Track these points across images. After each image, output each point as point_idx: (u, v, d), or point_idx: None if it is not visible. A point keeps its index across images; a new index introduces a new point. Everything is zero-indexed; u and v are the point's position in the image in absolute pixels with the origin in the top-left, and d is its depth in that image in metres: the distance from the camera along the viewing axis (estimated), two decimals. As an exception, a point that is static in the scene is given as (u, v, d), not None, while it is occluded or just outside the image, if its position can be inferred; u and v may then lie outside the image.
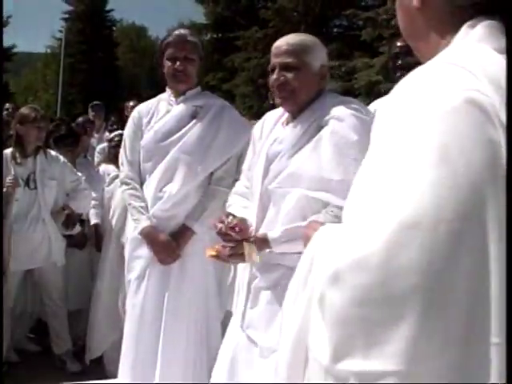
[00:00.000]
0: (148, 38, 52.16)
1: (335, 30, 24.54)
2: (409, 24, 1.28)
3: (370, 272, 1.01)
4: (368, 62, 16.26)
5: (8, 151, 4.60)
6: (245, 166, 2.89)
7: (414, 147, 1.03)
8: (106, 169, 5.35)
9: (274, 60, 2.59)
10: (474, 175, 0.99)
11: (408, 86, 1.13)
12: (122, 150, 3.64)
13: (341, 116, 2.45)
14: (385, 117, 1.13)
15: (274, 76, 2.57)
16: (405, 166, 1.03)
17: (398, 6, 1.29)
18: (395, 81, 3.63)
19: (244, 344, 2.60)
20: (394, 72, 4.08)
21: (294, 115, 2.60)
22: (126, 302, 4.56)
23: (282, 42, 2.60)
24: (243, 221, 2.54)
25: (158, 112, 3.52)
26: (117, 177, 5.10)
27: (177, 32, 3.49)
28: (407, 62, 3.94)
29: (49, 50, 45.17)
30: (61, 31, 38.72)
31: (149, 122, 3.51)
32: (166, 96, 3.58)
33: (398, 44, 4.02)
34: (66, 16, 38.43)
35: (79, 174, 4.93)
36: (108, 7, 39.40)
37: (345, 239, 1.09)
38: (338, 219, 2.28)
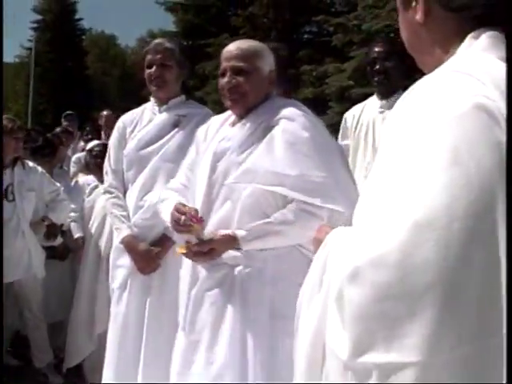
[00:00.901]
0: (118, 47, 51.98)
1: (305, 36, 24.61)
2: (413, 38, 1.33)
3: (388, 269, 1.07)
4: (339, 66, 16.33)
5: (-17, 163, 4.55)
6: (184, 165, 2.93)
7: (427, 151, 1.09)
8: (86, 179, 5.32)
9: (225, 64, 2.67)
10: (485, 176, 1.04)
11: (417, 93, 1.18)
12: (106, 160, 3.65)
13: (291, 116, 2.58)
14: (395, 123, 1.20)
15: (226, 79, 2.65)
16: (418, 169, 1.09)
17: (401, 20, 1.34)
18: (373, 85, 3.69)
19: (188, 348, 2.62)
20: (371, 76, 4.15)
21: (242, 117, 2.70)
22: (101, 311, 4.60)
23: (234, 47, 2.68)
24: (197, 211, 2.55)
25: (142, 121, 3.52)
26: (96, 187, 5.10)
27: (156, 40, 3.53)
28: (385, 66, 4.03)
29: (17, 60, 44.83)
30: (30, 40, 38.51)
31: (132, 131, 3.51)
32: (150, 105, 3.58)
33: (376, 49, 4.09)
34: (35, 25, 38.14)
35: (58, 184, 4.88)
36: (77, 16, 39.20)
37: (361, 240, 1.15)
38: (306, 213, 2.46)
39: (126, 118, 3.62)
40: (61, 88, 34.42)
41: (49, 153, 5.23)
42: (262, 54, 2.69)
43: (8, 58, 44.34)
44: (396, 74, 4.07)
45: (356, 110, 4.35)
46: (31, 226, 4.61)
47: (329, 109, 16.13)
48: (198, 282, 2.61)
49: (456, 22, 1.24)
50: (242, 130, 2.64)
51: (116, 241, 3.50)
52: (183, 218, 2.49)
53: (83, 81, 37.17)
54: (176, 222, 2.53)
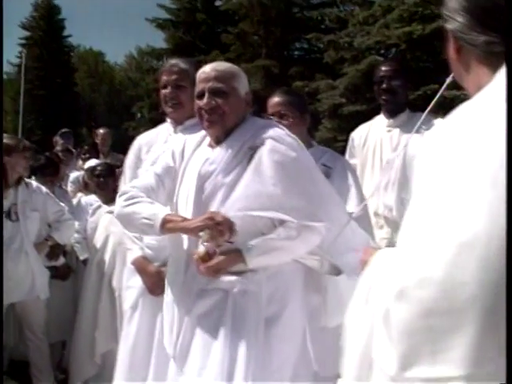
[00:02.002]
0: (106, 64, 51.99)
1: (296, 52, 24.81)
2: (454, 69, 1.50)
3: (433, 287, 1.14)
4: (331, 83, 16.42)
5: (-14, 183, 4.50)
6: (152, 169, 2.84)
7: (467, 176, 1.17)
8: (88, 199, 5.29)
9: (203, 85, 2.67)
10: None
11: (454, 121, 1.28)
12: (121, 181, 3.63)
13: (277, 136, 2.61)
14: (435, 147, 1.28)
15: (205, 100, 2.65)
16: (459, 192, 1.17)
17: (448, 54, 1.50)
18: (380, 103, 3.68)
19: (174, 373, 2.63)
20: (379, 95, 4.18)
21: (219, 138, 2.70)
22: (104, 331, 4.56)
23: (210, 68, 2.70)
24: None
25: (158, 142, 3.49)
26: (99, 207, 5.06)
27: (171, 61, 3.49)
28: (392, 85, 4.06)
29: (5, 76, 44.72)
30: (18, 57, 38.43)
31: (147, 152, 3.47)
32: (166, 126, 3.55)
33: (383, 68, 4.13)
34: (23, 42, 38.11)
35: (62, 204, 4.84)
36: (65, 33, 39.22)
37: (407, 260, 1.22)
38: (306, 228, 2.53)
39: (141, 139, 3.60)
40: (49, 105, 34.40)
41: (51, 172, 5.19)
42: (238, 75, 2.73)
43: (-5, 74, 44.19)
44: (402, 93, 4.13)
45: (363, 129, 4.36)
46: (35, 246, 4.56)
47: (320, 125, 16.20)
48: (192, 308, 2.59)
49: (486, 55, 1.36)
50: (225, 151, 2.65)
51: (128, 262, 3.46)
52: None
53: (72, 97, 37.15)
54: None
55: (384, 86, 4.08)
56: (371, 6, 18.22)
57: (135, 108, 30.48)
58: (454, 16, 1.40)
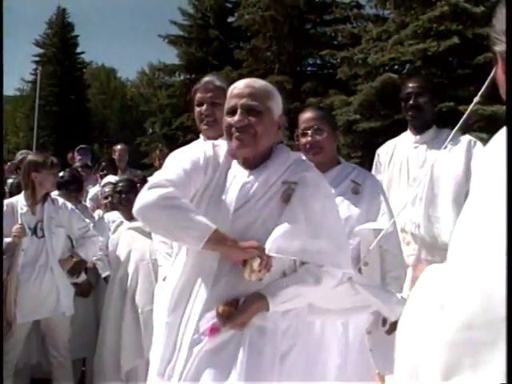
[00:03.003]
0: (118, 80, 52.29)
1: (309, 68, 24.86)
2: (502, 92, 1.46)
3: (474, 301, 1.18)
4: (345, 99, 16.41)
5: (14, 200, 4.52)
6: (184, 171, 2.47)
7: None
8: (111, 215, 5.29)
9: (236, 101, 2.45)
10: None
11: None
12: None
13: (312, 176, 2.49)
14: (488, 164, 1.31)
15: (236, 117, 2.43)
16: (499, 211, 1.18)
17: (496, 77, 1.48)
18: (407, 120, 3.68)
19: None
20: (405, 111, 4.19)
21: (248, 162, 2.50)
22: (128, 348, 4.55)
23: (245, 85, 2.49)
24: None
25: None
26: (121, 223, 5.06)
27: (206, 78, 3.46)
28: (418, 101, 4.07)
29: (18, 93, 45.00)
30: (31, 74, 38.78)
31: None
32: (199, 142, 3.53)
33: (410, 85, 4.15)
34: (37, 59, 38.42)
35: (87, 220, 4.85)
36: (78, 50, 39.51)
37: (451, 273, 1.27)
38: (326, 274, 2.43)
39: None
40: (62, 121, 34.58)
41: (76, 188, 5.21)
42: (274, 95, 2.52)
43: (8, 90, 44.53)
44: (429, 109, 4.15)
45: (389, 145, 4.36)
46: (59, 262, 4.56)
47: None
48: (201, 342, 2.35)
49: None
50: (263, 180, 2.45)
51: (159, 278, 3.47)
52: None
53: (84, 113, 37.34)
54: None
55: (411, 102, 4.10)
56: (384, 22, 18.26)
57: (147, 124, 30.60)
58: (502, 38, 1.38)
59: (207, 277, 2.40)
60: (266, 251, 2.32)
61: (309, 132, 3.33)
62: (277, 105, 2.51)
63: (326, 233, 2.42)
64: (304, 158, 2.66)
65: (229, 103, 2.48)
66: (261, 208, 2.42)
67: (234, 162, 2.54)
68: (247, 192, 2.44)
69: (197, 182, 2.46)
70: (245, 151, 2.46)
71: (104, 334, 4.85)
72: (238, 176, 2.49)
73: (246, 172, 2.49)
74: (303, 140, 3.34)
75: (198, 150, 2.57)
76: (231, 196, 2.44)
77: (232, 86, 2.53)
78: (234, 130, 2.43)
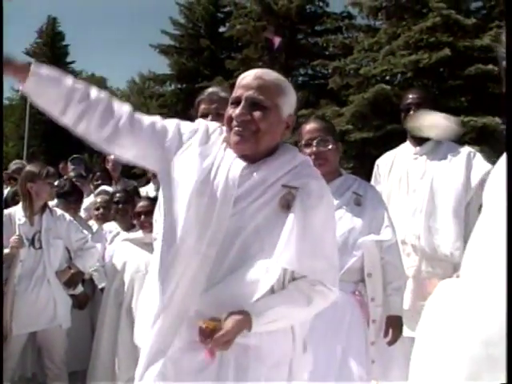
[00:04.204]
0: (108, 89, 52.28)
1: (300, 78, 24.93)
2: None
3: (490, 319, 1.25)
4: (338, 110, 16.47)
5: (12, 210, 4.48)
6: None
7: None
8: (108, 226, 5.26)
9: (241, 92, 2.20)
10: None
11: None
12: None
13: (316, 182, 2.24)
14: (499, 182, 1.35)
15: (238, 110, 2.19)
16: None
17: (503, 92, 1.51)
18: (408, 130, 3.67)
19: None
20: (406, 122, 4.16)
21: (247, 158, 2.24)
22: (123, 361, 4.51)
23: (256, 75, 2.23)
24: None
25: None
26: (118, 234, 5.03)
27: (209, 89, 3.44)
28: (418, 112, 4.04)
29: (8, 102, 44.83)
30: (22, 83, 38.60)
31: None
32: None
33: (410, 96, 4.16)
34: (27, 68, 38.35)
35: (85, 232, 4.81)
36: (69, 59, 39.51)
37: (467, 293, 1.33)
38: (319, 295, 2.20)
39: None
40: (52, 130, 34.43)
41: (75, 199, 5.18)
42: (285, 91, 2.25)
43: (-2, 100, 44.32)
44: (429, 121, 4.12)
45: (388, 156, 4.36)
46: (56, 274, 4.52)
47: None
48: (182, 357, 2.18)
49: None
50: (260, 180, 2.20)
51: None
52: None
53: (74, 123, 37.24)
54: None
55: (411, 113, 4.09)
56: (376, 32, 18.35)
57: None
58: None
59: (196, 287, 2.17)
60: (276, 262, 2.12)
61: (313, 143, 3.31)
62: (288, 102, 2.26)
63: (322, 250, 2.20)
64: (311, 163, 2.38)
65: (235, 93, 2.23)
66: (255, 212, 2.16)
67: (230, 151, 2.28)
68: (240, 189, 2.19)
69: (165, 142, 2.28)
70: (243, 148, 2.22)
71: (98, 346, 4.80)
72: (233, 168, 2.22)
73: (242, 164, 2.22)
74: (307, 151, 3.30)
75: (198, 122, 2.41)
76: (224, 191, 2.18)
77: (242, 75, 2.28)
78: (234, 123, 2.21)
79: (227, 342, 2.06)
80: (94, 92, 2.25)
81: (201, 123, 2.39)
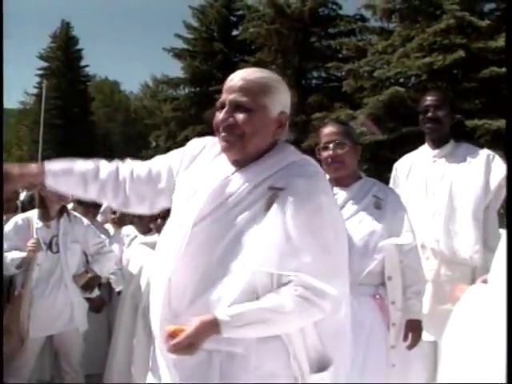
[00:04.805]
0: (121, 93, 52.50)
1: (314, 81, 24.93)
2: None
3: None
4: (351, 113, 16.44)
5: (31, 214, 4.49)
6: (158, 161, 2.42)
7: None
8: (126, 230, 5.27)
9: (225, 95, 2.13)
10: None
11: None
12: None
13: (304, 181, 2.07)
14: None
15: (221, 115, 2.12)
16: None
17: None
18: (425, 132, 3.67)
19: None
20: (424, 123, 4.18)
21: (238, 163, 2.17)
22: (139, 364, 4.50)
23: (240, 76, 2.13)
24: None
25: None
26: (135, 237, 5.03)
27: None
28: (437, 114, 4.06)
29: (21, 106, 45.13)
30: (36, 87, 38.90)
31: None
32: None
33: (429, 98, 4.14)
34: (41, 72, 38.62)
35: (102, 236, 4.81)
36: (82, 63, 39.77)
37: (495, 299, 1.40)
38: (307, 303, 2.00)
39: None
40: (66, 134, 34.70)
41: (94, 203, 5.17)
42: (272, 89, 2.14)
43: (11, 103, 44.67)
44: (447, 123, 4.12)
45: (407, 159, 4.33)
46: (73, 277, 4.52)
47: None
48: (168, 371, 2.13)
49: None
50: (240, 183, 2.12)
51: None
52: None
53: (88, 126, 37.49)
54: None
55: (429, 114, 4.07)
56: (389, 35, 18.32)
57: (152, 137, 30.70)
58: None
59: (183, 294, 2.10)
60: (251, 264, 2.01)
61: (330, 146, 3.29)
62: (277, 100, 2.15)
63: (307, 248, 1.99)
64: (310, 161, 2.22)
65: (221, 97, 2.16)
66: (237, 215, 2.07)
67: (224, 158, 2.24)
68: (223, 192, 2.12)
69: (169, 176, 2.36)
70: (232, 153, 2.17)
71: (115, 349, 4.81)
72: (220, 174, 2.17)
73: (231, 169, 2.17)
74: (325, 154, 3.30)
75: (190, 144, 2.40)
76: (204, 195, 2.13)
77: (228, 78, 2.19)
78: (220, 129, 2.14)
79: (189, 345, 1.97)
80: (103, 167, 2.42)
81: (193, 142, 2.42)
